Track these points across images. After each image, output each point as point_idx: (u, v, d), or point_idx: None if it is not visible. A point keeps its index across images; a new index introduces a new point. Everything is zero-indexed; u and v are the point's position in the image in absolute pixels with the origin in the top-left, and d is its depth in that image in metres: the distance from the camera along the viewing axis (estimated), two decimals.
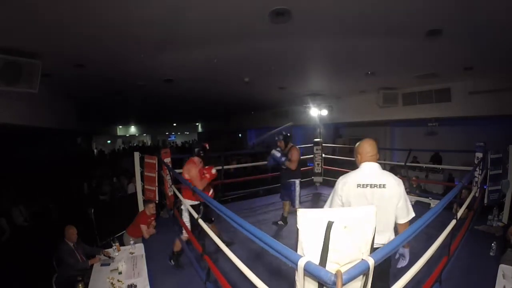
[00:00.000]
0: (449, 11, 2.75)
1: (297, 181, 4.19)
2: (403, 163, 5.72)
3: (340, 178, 1.93)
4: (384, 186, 1.82)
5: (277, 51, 4.08)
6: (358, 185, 1.84)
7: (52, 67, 4.29)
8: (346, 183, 1.87)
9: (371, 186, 1.82)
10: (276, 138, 4.21)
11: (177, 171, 4.67)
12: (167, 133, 25.39)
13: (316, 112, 8.32)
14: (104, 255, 3.35)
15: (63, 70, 4.66)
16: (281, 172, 4.34)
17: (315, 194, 6.24)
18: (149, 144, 23.25)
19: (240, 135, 20.44)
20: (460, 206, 2.89)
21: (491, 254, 3.08)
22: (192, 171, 3.16)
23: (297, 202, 4.21)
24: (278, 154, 4.07)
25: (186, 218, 3.18)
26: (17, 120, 4.89)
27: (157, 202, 4.46)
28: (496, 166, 4.22)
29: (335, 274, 0.95)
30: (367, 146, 1.92)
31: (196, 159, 3.31)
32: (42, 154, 10.74)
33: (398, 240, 1.37)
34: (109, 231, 4.87)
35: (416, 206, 5.13)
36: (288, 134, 4.28)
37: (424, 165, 7.56)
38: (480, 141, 4.34)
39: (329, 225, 1.10)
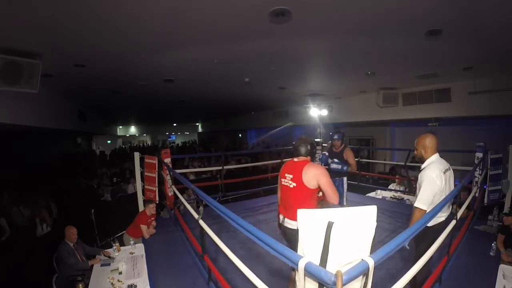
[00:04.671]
0: (449, 11, 2.75)
1: (345, 179, 3.89)
2: (403, 163, 5.72)
3: (431, 170, 2.17)
4: (450, 168, 2.28)
5: (277, 51, 4.08)
6: (443, 171, 2.19)
7: (52, 67, 4.30)
8: (438, 174, 2.14)
9: (446, 170, 2.22)
10: (336, 137, 3.73)
11: (178, 171, 4.68)
12: (167, 133, 25.38)
13: (316, 112, 8.32)
14: (104, 255, 3.35)
15: (63, 70, 4.66)
16: (333, 172, 3.67)
17: None
18: (149, 144, 23.23)
19: (240, 135, 20.45)
20: (460, 206, 2.89)
21: (491, 254, 3.08)
22: (325, 178, 2.16)
23: (345, 199, 3.86)
24: (339, 166, 3.55)
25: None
26: (17, 120, 4.89)
27: (157, 202, 4.46)
28: (496, 166, 4.22)
29: (335, 274, 0.95)
30: (435, 141, 2.26)
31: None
32: (42, 154, 10.76)
33: (398, 240, 1.37)
34: (109, 231, 4.88)
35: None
36: (343, 132, 3.89)
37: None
38: (480, 141, 4.34)
39: (329, 225, 1.10)
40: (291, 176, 2.23)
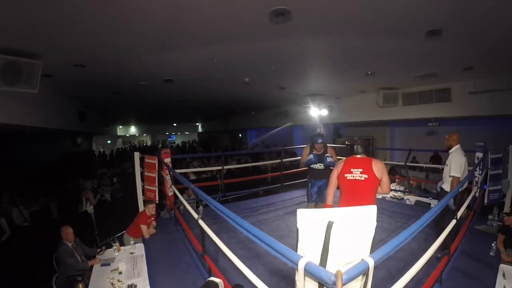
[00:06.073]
0: (449, 11, 2.75)
1: None
2: (403, 163, 5.72)
3: (457, 153, 3.29)
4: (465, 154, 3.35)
5: (277, 51, 4.08)
6: (464, 155, 3.30)
7: (52, 67, 4.29)
8: (462, 154, 3.29)
9: (464, 155, 3.31)
10: (320, 141, 3.86)
11: (178, 171, 4.68)
12: (167, 133, 25.38)
13: (316, 112, 8.34)
14: (99, 253, 3.38)
15: (63, 70, 4.66)
16: (317, 173, 4.03)
17: None
18: (149, 144, 23.21)
19: (240, 135, 20.45)
20: (460, 206, 2.89)
21: (491, 254, 3.08)
22: (387, 173, 2.59)
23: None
24: (332, 161, 3.84)
25: None
26: (17, 120, 4.89)
27: (157, 202, 4.46)
28: (496, 166, 4.22)
29: (335, 274, 0.95)
30: (459, 136, 3.40)
31: None
32: (42, 154, 10.76)
33: (398, 240, 1.38)
34: (109, 231, 4.88)
35: (416, 206, 5.15)
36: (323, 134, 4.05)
37: (424, 165, 7.56)
38: (480, 141, 4.34)
39: (329, 225, 1.10)
40: (360, 169, 2.52)
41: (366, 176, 2.49)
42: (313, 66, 5.21)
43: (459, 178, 3.14)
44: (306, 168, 4.18)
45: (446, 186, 3.34)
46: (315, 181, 4.09)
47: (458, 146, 3.38)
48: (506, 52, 3.94)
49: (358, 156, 2.64)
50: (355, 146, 2.65)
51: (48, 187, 7.98)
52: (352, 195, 2.50)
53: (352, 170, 2.54)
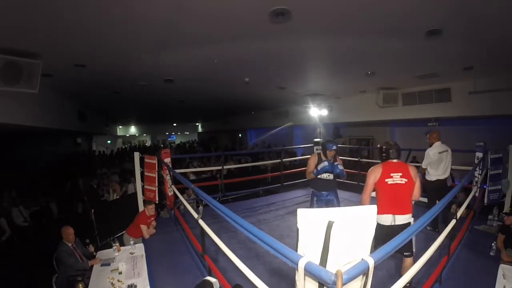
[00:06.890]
0: (449, 10, 2.75)
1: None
2: None
3: (429, 150, 3.94)
4: (448, 150, 3.93)
5: (277, 51, 4.08)
6: (439, 152, 3.88)
7: (52, 67, 4.29)
8: (435, 152, 3.86)
9: (442, 152, 3.89)
10: (334, 148, 3.56)
11: (178, 171, 4.68)
12: (167, 133, 25.39)
13: (316, 112, 8.33)
14: (88, 248, 3.44)
15: (63, 70, 4.66)
16: (327, 183, 3.72)
17: None
18: (148, 144, 23.20)
19: (240, 135, 20.45)
20: (460, 206, 2.89)
21: (491, 254, 3.08)
22: (419, 178, 2.62)
23: None
24: (342, 169, 3.60)
25: None
26: (17, 120, 4.89)
27: (157, 202, 4.46)
28: (496, 166, 4.22)
29: (335, 274, 0.95)
30: (438, 134, 3.96)
31: None
32: (42, 154, 10.75)
33: (397, 240, 1.38)
34: (109, 231, 4.88)
35: (416, 206, 5.14)
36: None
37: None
38: (480, 141, 4.34)
39: (330, 225, 1.10)
40: (400, 174, 2.50)
41: (406, 180, 2.48)
42: (313, 66, 5.21)
43: (425, 169, 3.99)
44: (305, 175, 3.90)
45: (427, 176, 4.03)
46: (322, 193, 3.74)
47: (437, 143, 3.92)
48: (506, 52, 3.94)
49: (394, 160, 2.60)
50: (390, 151, 2.60)
51: (48, 187, 7.98)
52: (394, 199, 2.47)
53: (392, 174, 2.51)
